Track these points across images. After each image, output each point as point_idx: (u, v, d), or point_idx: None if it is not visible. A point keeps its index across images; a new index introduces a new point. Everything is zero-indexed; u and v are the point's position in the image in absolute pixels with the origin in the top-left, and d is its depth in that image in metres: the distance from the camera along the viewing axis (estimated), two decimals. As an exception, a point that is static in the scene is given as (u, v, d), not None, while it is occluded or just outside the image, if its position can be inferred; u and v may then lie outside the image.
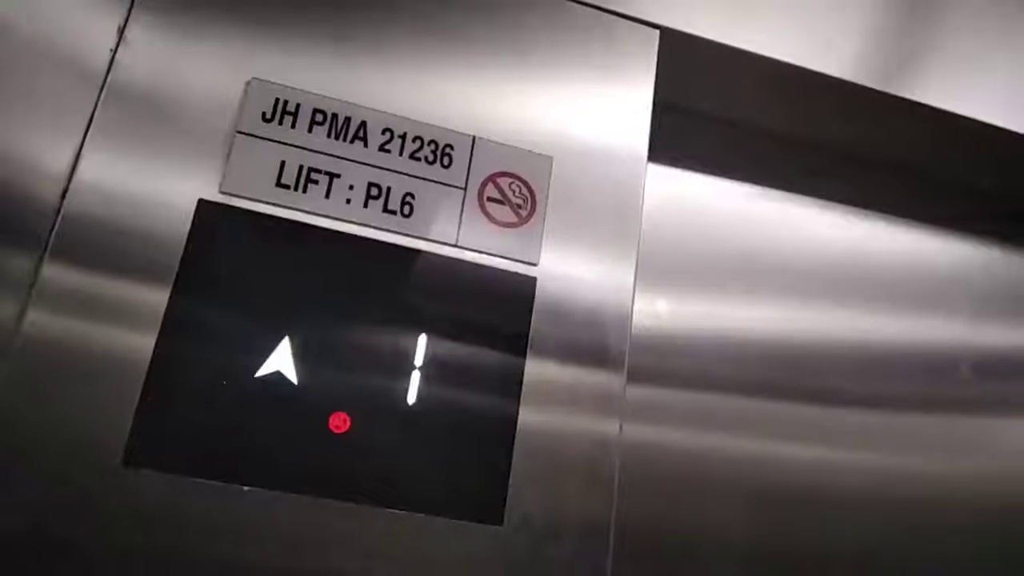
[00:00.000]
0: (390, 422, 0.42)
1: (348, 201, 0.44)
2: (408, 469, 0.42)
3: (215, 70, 0.44)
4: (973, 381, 0.66)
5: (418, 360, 0.43)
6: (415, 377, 0.43)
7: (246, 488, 0.39)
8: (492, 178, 0.47)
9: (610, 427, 0.45)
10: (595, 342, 0.47)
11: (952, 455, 0.63)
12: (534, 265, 0.47)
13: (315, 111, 0.45)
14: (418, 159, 0.46)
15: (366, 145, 0.46)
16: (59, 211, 0.40)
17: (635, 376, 0.50)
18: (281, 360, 0.41)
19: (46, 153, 0.41)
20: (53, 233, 0.40)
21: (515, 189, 0.48)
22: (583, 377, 0.46)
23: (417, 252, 0.45)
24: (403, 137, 0.46)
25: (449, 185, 0.47)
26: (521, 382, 0.44)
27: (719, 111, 0.63)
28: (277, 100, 0.45)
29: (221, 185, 0.43)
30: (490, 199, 0.47)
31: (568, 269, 0.47)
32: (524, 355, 0.45)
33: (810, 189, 0.66)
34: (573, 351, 0.46)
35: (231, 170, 0.43)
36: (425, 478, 0.42)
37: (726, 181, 0.64)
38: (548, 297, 0.46)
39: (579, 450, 0.44)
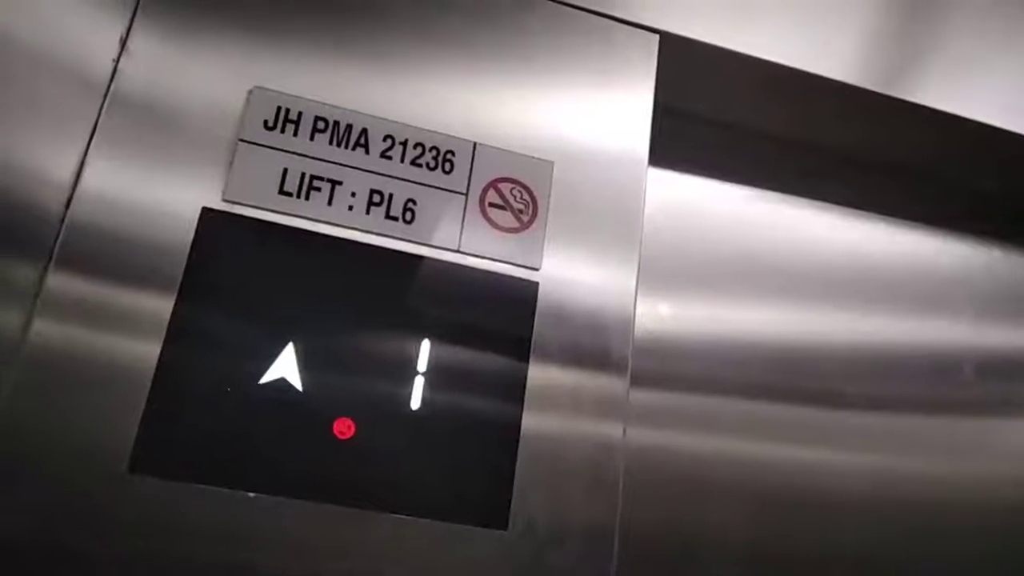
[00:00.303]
0: (394, 428, 0.42)
1: (350, 208, 0.45)
2: (412, 474, 0.42)
3: (217, 79, 0.45)
4: (976, 382, 0.66)
5: (421, 365, 0.43)
6: (419, 382, 0.43)
7: (252, 494, 0.39)
8: (493, 184, 0.48)
9: (614, 431, 0.45)
10: (598, 346, 0.47)
11: (955, 457, 0.63)
12: (536, 270, 0.47)
13: (317, 119, 0.46)
14: (419, 165, 0.47)
15: (367, 152, 0.46)
16: (63, 220, 0.40)
17: (638, 380, 0.50)
18: (285, 367, 0.41)
19: (50, 162, 0.41)
20: (58, 243, 0.40)
21: (516, 194, 0.48)
22: (586, 381, 0.46)
23: (419, 258, 0.45)
24: (404, 144, 0.47)
25: (450, 191, 0.47)
26: (524, 386, 0.44)
27: (719, 114, 0.63)
28: (279, 108, 0.45)
29: (224, 193, 0.43)
30: (492, 204, 0.47)
31: (570, 273, 0.47)
32: (527, 359, 0.45)
33: (811, 191, 0.66)
34: (576, 355, 0.46)
35: (234, 178, 0.43)
36: (429, 483, 0.42)
37: (727, 184, 0.64)
38: (550, 301, 0.46)
39: (583, 454, 0.44)
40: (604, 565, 0.43)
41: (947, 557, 0.61)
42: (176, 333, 0.40)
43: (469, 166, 0.47)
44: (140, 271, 0.41)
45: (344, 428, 0.41)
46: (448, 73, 0.49)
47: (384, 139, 0.46)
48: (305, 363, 0.41)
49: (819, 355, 0.63)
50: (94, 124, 0.42)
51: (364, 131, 0.46)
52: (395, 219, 0.45)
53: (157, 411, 0.39)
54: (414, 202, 0.46)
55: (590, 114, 0.51)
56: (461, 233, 0.46)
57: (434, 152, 0.47)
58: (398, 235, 0.45)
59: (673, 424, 0.57)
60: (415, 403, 0.42)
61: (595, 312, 0.47)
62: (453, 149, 0.47)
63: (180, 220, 0.42)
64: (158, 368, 0.39)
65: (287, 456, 0.40)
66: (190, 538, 0.38)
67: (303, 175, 0.44)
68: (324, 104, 0.46)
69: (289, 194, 0.44)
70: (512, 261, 0.47)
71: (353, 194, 0.45)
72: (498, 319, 0.45)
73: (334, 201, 0.45)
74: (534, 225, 0.48)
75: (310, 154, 0.45)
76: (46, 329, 0.38)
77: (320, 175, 0.45)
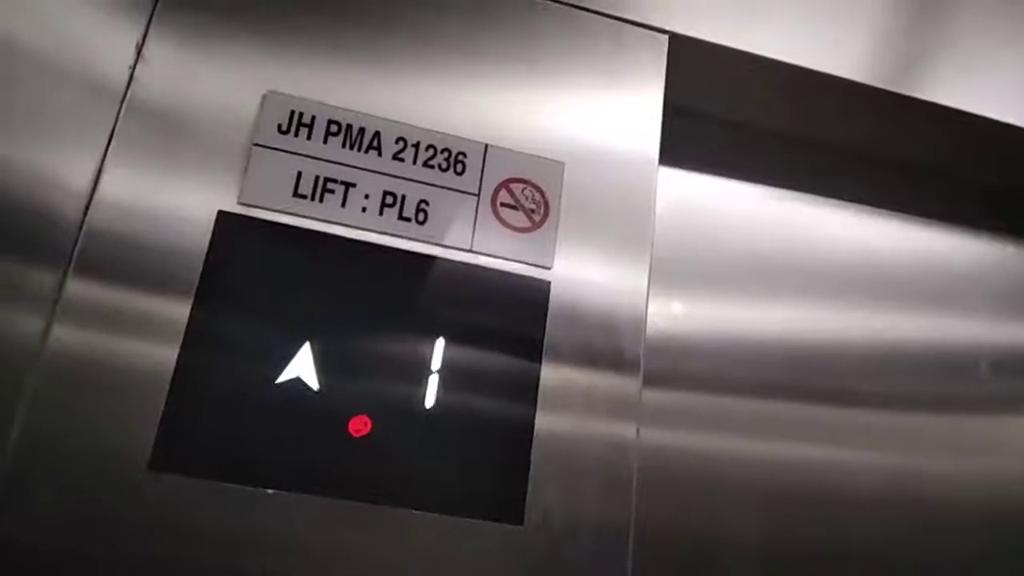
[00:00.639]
0: (409, 425, 0.42)
1: (364, 209, 0.45)
2: (427, 471, 0.42)
3: (231, 84, 0.45)
4: (990, 379, 0.66)
5: (435, 364, 0.43)
6: (433, 381, 0.43)
7: (270, 491, 0.39)
8: (505, 184, 0.48)
9: (627, 430, 0.45)
10: (610, 345, 0.47)
11: (970, 455, 0.63)
12: (548, 269, 0.47)
13: (330, 122, 0.46)
14: (432, 167, 0.47)
15: (380, 154, 0.46)
16: (81, 227, 0.41)
17: (651, 379, 0.50)
18: (301, 366, 0.42)
19: (68, 170, 0.41)
20: (76, 249, 0.40)
21: (528, 195, 0.48)
22: (599, 381, 0.46)
23: (432, 258, 0.46)
24: (416, 146, 0.47)
25: (463, 192, 0.47)
26: (537, 385, 0.45)
27: (729, 114, 0.63)
28: (293, 112, 0.46)
29: (239, 197, 0.43)
30: (503, 205, 0.48)
31: (582, 273, 0.48)
32: (539, 358, 0.45)
33: (821, 189, 0.66)
34: (588, 354, 0.46)
35: (249, 182, 0.44)
36: (444, 479, 0.42)
37: (737, 183, 0.64)
38: (562, 301, 0.47)
39: (596, 453, 0.45)
40: (620, 561, 0.43)
41: (961, 555, 0.60)
42: (193, 336, 0.41)
43: (481, 167, 0.48)
44: (158, 276, 0.41)
45: (360, 426, 0.41)
46: (460, 76, 0.50)
47: (396, 141, 0.47)
48: (321, 363, 0.42)
49: (832, 353, 0.63)
50: (111, 131, 0.43)
51: (377, 134, 0.47)
52: (408, 220, 0.46)
53: (176, 413, 0.39)
54: (427, 203, 0.46)
55: (600, 115, 0.51)
56: (473, 233, 0.46)
57: (446, 154, 0.47)
58: (411, 236, 0.45)
59: (686, 423, 0.57)
60: (429, 401, 0.43)
61: (607, 311, 0.47)
62: (465, 150, 0.48)
63: (196, 224, 0.42)
64: (176, 371, 0.40)
65: (304, 454, 0.40)
66: (209, 536, 0.38)
67: (317, 178, 0.45)
68: (337, 107, 0.46)
69: (304, 196, 0.44)
70: (524, 260, 0.47)
71: (367, 196, 0.45)
72: (511, 318, 0.46)
73: (348, 203, 0.45)
74: (546, 225, 0.48)
75: (324, 157, 0.45)
76: (65, 335, 0.39)
77: (334, 177, 0.45)
